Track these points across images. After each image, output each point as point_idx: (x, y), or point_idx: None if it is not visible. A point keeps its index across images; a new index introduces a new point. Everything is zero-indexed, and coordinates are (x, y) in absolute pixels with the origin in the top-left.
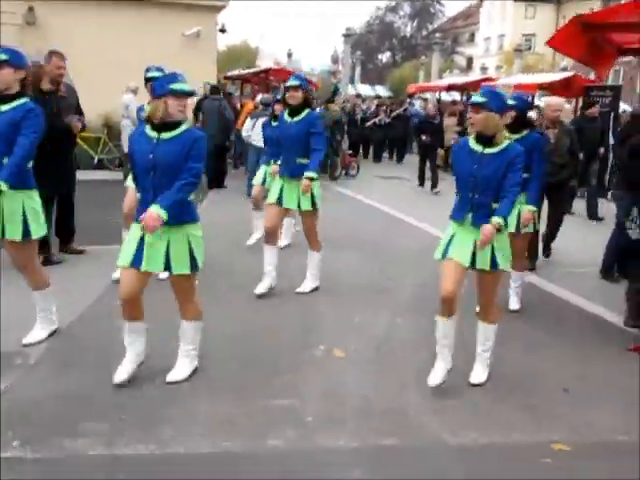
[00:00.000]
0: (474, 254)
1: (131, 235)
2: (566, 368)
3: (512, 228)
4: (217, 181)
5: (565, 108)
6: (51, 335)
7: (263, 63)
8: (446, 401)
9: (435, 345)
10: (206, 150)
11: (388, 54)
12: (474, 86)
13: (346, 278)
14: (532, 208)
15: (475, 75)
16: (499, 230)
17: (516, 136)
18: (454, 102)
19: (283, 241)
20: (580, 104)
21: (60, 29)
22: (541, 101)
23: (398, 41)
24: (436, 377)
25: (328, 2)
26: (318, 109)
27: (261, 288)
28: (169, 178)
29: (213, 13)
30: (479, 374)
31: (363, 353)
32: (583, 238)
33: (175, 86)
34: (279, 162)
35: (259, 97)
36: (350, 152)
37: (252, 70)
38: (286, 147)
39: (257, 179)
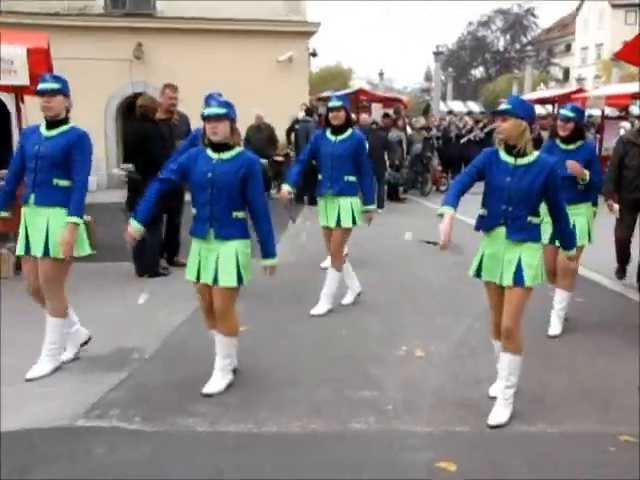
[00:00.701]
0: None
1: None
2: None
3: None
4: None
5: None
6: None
7: (356, 83)
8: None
9: None
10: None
11: (481, 69)
12: (564, 98)
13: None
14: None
15: (571, 86)
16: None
17: (572, 147)
18: (544, 117)
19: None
20: None
21: (164, 62)
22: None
23: (491, 55)
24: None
25: (420, 20)
26: (409, 128)
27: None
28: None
29: (304, 38)
30: (499, 415)
31: (442, 353)
32: None
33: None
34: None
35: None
36: (440, 169)
37: (344, 92)
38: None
39: None
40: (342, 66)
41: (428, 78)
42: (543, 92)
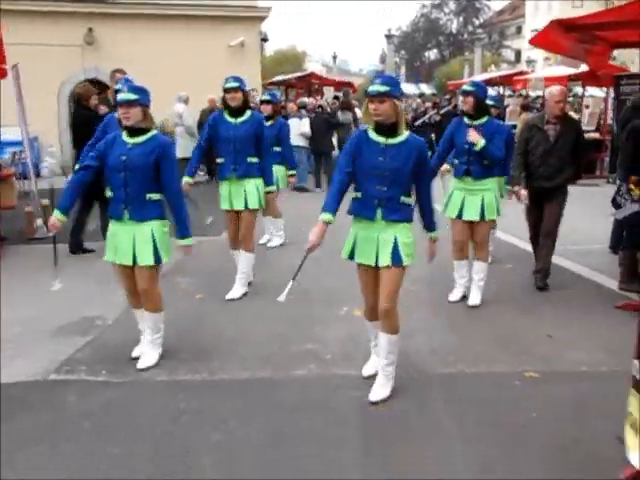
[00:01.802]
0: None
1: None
2: (558, 322)
3: (477, 216)
4: None
5: (566, 97)
6: None
7: (310, 66)
8: (442, 343)
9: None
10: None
11: (435, 51)
12: (509, 80)
13: None
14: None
15: (522, 68)
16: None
17: (477, 122)
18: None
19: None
20: (612, 94)
21: (116, 47)
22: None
23: (444, 38)
24: (367, 369)
25: (374, 3)
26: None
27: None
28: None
29: (256, 23)
30: (380, 391)
31: None
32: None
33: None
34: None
35: (298, 100)
36: None
37: (295, 75)
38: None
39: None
40: (296, 49)
41: (383, 60)
42: (490, 74)
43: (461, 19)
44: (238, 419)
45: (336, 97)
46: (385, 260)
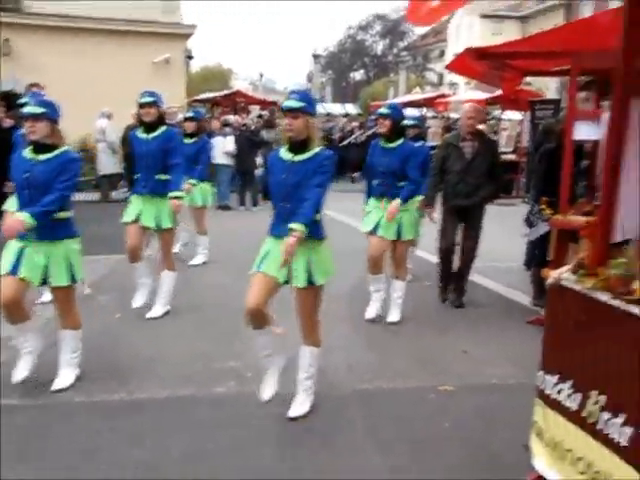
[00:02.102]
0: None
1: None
2: (473, 338)
3: (394, 236)
4: None
5: (482, 115)
6: None
7: (237, 84)
8: (360, 360)
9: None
10: None
11: (361, 72)
12: (431, 102)
13: None
14: (398, 201)
15: (445, 90)
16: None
17: (392, 145)
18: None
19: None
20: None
21: (35, 59)
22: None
23: (370, 59)
24: (267, 393)
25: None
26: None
27: None
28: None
29: (181, 40)
30: (299, 406)
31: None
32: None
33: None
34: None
35: (222, 118)
36: None
37: (220, 93)
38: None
39: None
40: (223, 66)
41: (310, 79)
42: (413, 96)
43: (386, 41)
44: (157, 437)
45: (260, 116)
46: (299, 281)
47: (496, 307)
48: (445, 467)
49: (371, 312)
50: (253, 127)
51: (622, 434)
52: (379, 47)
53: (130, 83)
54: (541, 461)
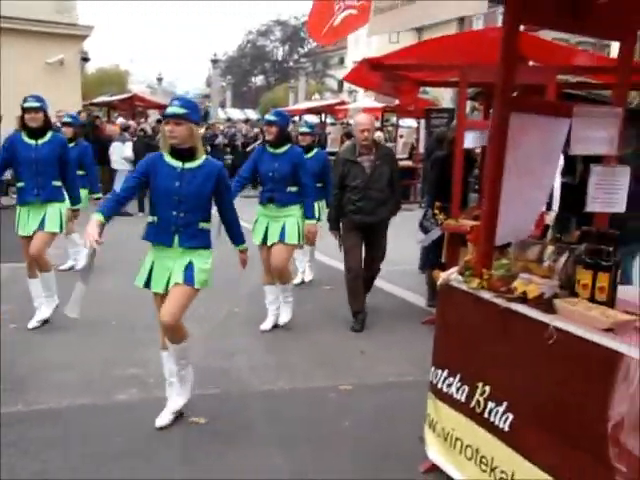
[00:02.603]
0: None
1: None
2: (370, 339)
3: (275, 238)
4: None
5: (374, 124)
6: None
7: (134, 87)
8: (262, 362)
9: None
10: None
11: (262, 77)
12: (330, 109)
13: None
14: (312, 222)
15: (344, 97)
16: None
17: (279, 150)
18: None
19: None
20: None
21: None
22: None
23: (270, 65)
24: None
25: (203, 25)
26: None
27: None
28: None
29: (76, 41)
30: (175, 401)
31: (202, 335)
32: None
33: None
34: None
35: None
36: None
37: (118, 97)
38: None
39: None
40: (119, 68)
41: (209, 84)
42: (313, 102)
43: (287, 47)
44: (57, 447)
45: (159, 120)
46: (176, 279)
47: (393, 309)
48: (343, 461)
49: (267, 324)
50: (151, 132)
51: (504, 421)
52: (279, 53)
53: (22, 84)
54: (434, 451)
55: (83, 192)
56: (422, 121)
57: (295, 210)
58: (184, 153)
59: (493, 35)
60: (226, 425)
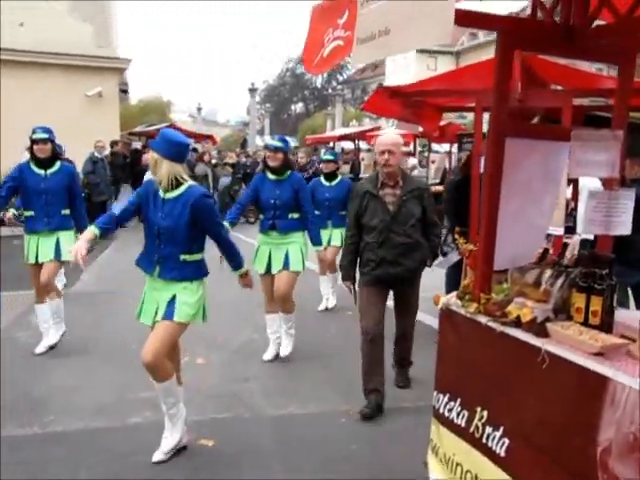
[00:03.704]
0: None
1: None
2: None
3: (279, 266)
4: None
5: (401, 147)
6: None
7: (176, 116)
8: (277, 387)
9: None
10: None
11: (301, 104)
12: (363, 136)
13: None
14: (320, 248)
15: (382, 123)
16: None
17: (280, 177)
18: (347, 152)
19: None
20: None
21: None
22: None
23: (309, 92)
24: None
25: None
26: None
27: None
28: None
29: (114, 74)
30: (170, 442)
31: (219, 360)
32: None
33: None
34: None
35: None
36: None
37: (155, 127)
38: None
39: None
40: (162, 98)
41: (249, 112)
42: (348, 129)
43: (325, 75)
44: (68, 469)
45: (194, 149)
46: (159, 315)
47: (419, 334)
48: None
49: (269, 354)
50: None
51: (501, 446)
52: (318, 80)
53: (62, 116)
54: (436, 475)
55: None
56: (453, 146)
57: (298, 237)
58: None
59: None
60: (234, 448)
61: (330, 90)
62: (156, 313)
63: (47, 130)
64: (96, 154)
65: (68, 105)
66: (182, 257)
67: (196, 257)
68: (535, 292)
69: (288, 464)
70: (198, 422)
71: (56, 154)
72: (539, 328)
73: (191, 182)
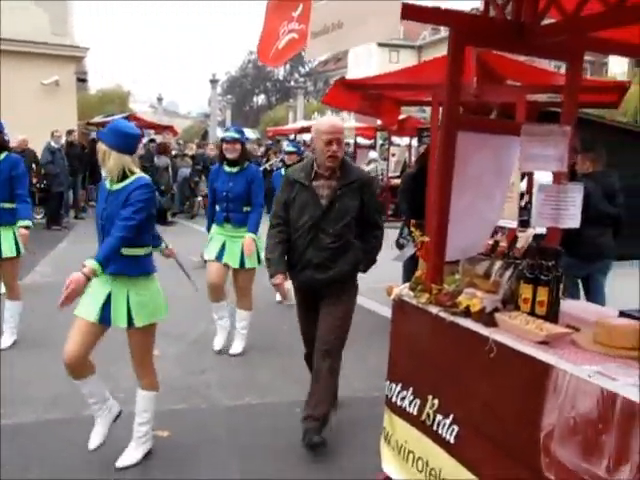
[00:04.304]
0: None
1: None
2: (348, 354)
3: (236, 264)
4: None
5: (345, 133)
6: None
7: (136, 107)
8: (233, 378)
9: None
10: None
11: (263, 97)
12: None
13: None
14: (253, 235)
15: (344, 116)
16: (89, 278)
17: (236, 169)
18: (308, 144)
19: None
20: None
21: None
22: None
23: (272, 84)
24: (94, 441)
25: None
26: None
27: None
28: None
29: (72, 62)
30: (131, 455)
31: (176, 352)
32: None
33: None
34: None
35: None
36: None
37: (114, 117)
38: None
39: None
40: (122, 89)
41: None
42: (309, 122)
43: (287, 67)
44: (17, 462)
45: (152, 140)
46: (120, 321)
47: (372, 325)
48: (300, 475)
49: (218, 343)
50: (142, 152)
51: (450, 433)
52: (280, 72)
53: (18, 105)
54: (388, 463)
55: None
56: (413, 139)
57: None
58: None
59: (466, 56)
60: (188, 438)
61: (292, 82)
62: (102, 310)
63: None
64: (53, 144)
65: (24, 94)
66: (124, 250)
67: (138, 251)
68: (485, 283)
69: (242, 453)
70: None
71: (4, 144)
72: (488, 318)
73: (141, 174)
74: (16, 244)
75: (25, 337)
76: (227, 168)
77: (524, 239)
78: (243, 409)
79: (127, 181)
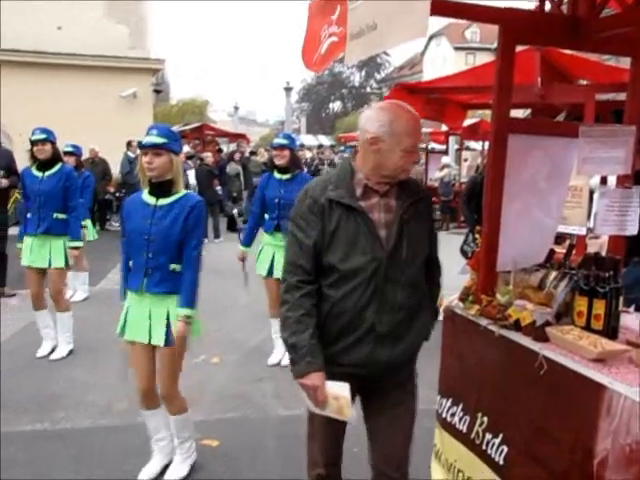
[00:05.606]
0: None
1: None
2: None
3: (279, 273)
4: None
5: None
6: None
7: (215, 116)
8: (290, 389)
9: None
10: None
11: (339, 103)
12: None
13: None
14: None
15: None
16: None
17: (287, 176)
18: None
19: None
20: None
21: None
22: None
23: (348, 91)
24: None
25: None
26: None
27: None
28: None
29: (148, 74)
30: (177, 470)
31: (234, 360)
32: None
33: None
34: None
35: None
36: None
37: (188, 127)
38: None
39: None
40: (200, 98)
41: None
42: None
43: (363, 73)
44: (69, 465)
45: (219, 150)
46: (157, 339)
47: (436, 337)
48: None
49: (275, 358)
50: (208, 160)
51: (499, 454)
52: (356, 79)
53: (98, 117)
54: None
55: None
56: (485, 144)
57: None
58: (160, 187)
59: (528, 55)
60: (238, 448)
61: (368, 89)
62: (149, 331)
63: (45, 130)
64: (130, 154)
65: (104, 107)
66: (172, 267)
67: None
68: (537, 295)
69: (291, 464)
70: (204, 422)
71: (57, 155)
72: (538, 332)
73: (185, 190)
74: (65, 256)
75: (87, 344)
76: (277, 175)
77: (597, 246)
78: (294, 419)
79: (175, 196)
